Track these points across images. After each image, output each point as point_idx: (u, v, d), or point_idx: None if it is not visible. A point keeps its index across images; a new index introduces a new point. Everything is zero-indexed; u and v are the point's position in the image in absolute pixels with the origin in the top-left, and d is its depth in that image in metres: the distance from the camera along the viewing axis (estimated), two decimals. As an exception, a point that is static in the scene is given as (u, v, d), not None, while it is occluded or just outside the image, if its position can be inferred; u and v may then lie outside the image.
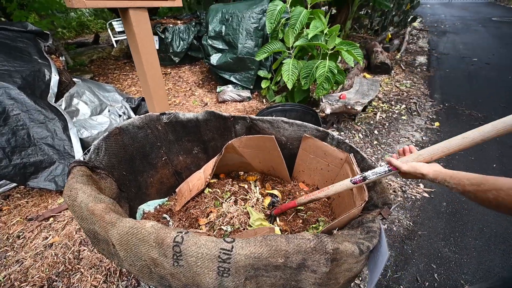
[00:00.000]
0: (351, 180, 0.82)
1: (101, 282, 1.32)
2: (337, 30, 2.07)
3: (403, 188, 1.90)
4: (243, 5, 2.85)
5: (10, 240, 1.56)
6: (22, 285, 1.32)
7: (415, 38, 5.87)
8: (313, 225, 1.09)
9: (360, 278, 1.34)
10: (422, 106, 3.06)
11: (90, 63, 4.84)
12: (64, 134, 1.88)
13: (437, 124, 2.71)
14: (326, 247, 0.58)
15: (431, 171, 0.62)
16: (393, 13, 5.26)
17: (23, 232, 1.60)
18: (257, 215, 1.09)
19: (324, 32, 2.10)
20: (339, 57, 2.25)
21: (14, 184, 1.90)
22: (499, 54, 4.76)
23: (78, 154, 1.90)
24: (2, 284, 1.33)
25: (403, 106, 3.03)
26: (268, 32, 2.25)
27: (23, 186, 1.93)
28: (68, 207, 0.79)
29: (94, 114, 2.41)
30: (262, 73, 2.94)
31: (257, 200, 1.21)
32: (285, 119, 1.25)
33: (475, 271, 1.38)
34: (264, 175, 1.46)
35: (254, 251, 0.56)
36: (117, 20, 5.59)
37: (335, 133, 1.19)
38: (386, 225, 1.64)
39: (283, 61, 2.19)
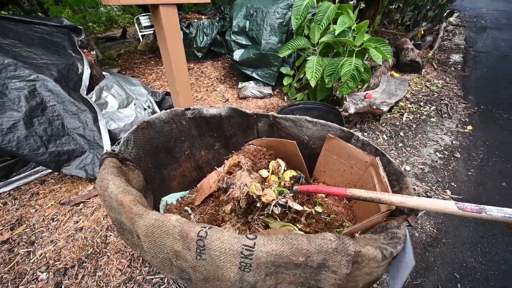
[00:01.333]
0: (457, 205, 0.65)
1: (125, 266, 1.40)
2: (365, 26, 1.98)
3: (428, 193, 1.80)
4: (269, 0, 2.82)
5: (46, 222, 1.70)
6: (56, 263, 1.44)
7: (450, 34, 5.47)
8: (337, 230, 1.07)
9: (378, 283, 1.31)
10: (454, 108, 2.86)
11: (117, 57, 5.07)
12: (94, 125, 2.00)
13: (469, 128, 2.52)
14: (347, 248, 0.57)
15: None
16: (428, 8, 4.93)
17: (57, 215, 1.74)
18: (279, 223, 1.06)
19: (352, 28, 2.02)
20: (366, 54, 2.16)
21: (49, 170, 2.06)
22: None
23: (107, 144, 2.02)
24: (38, 261, 1.46)
25: (433, 107, 2.86)
26: (293, 28, 2.21)
27: (57, 173, 2.09)
28: (99, 196, 0.84)
29: (121, 107, 2.53)
30: (284, 70, 2.91)
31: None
32: (308, 118, 1.23)
33: (503, 285, 1.29)
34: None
35: (275, 248, 0.57)
36: (144, 15, 5.79)
37: (360, 134, 1.16)
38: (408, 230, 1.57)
39: (307, 58, 2.15)
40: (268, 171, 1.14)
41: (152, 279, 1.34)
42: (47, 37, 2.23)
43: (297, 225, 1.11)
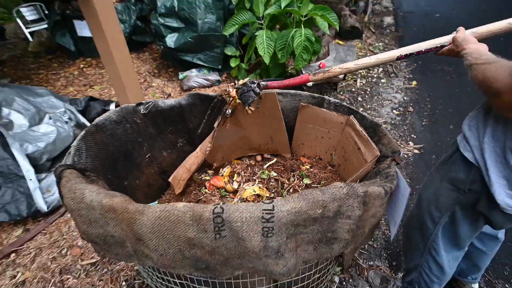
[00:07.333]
0: (397, 55, 0.97)
1: (99, 305, 1.33)
2: (307, -6, 2.22)
3: (395, 148, 2.19)
4: (196, -26, 2.84)
5: (-35, 290, 1.45)
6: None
7: (378, -2, 6.40)
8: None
9: (373, 239, 1.56)
10: (398, 67, 3.45)
11: (0, 65, 4.33)
12: (5, 152, 1.76)
13: (414, 83, 3.10)
14: (357, 191, 0.72)
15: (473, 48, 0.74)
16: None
17: (-21, 277, 1.50)
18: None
19: (295, -2, 2.23)
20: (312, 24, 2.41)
21: None
22: (459, 7, 5.46)
23: (29, 172, 1.80)
24: None
25: (380, 69, 3.38)
26: (233, 2, 2.30)
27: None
28: (70, 212, 0.80)
29: (34, 124, 2.24)
30: (229, 50, 2.99)
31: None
32: (278, 90, 1.36)
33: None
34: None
35: (294, 206, 0.67)
36: (27, 6, 5.04)
37: (330, 97, 1.35)
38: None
39: (255, 33, 2.28)
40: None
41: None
42: None
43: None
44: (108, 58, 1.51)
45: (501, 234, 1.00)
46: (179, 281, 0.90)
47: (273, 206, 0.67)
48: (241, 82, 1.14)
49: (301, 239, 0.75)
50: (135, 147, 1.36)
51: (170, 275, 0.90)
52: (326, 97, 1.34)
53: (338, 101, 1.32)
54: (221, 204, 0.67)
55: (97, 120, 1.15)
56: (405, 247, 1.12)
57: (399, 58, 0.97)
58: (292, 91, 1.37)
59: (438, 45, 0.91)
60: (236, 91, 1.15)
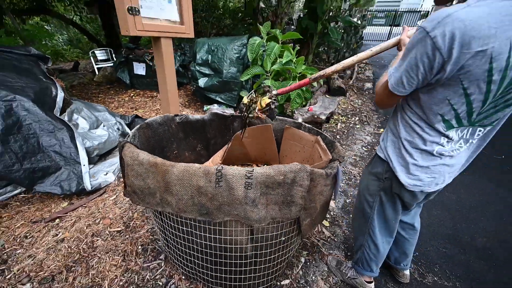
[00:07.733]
0: (370, 54, 0.98)
1: (119, 261, 1.48)
2: (302, 60, 2.68)
3: (359, 174, 2.39)
4: (226, 40, 3.42)
5: (18, 240, 1.62)
6: (39, 273, 1.41)
7: (363, 69, 7.13)
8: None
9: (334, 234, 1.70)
10: (371, 118, 3.81)
11: (70, 88, 4.91)
12: (71, 143, 2.06)
13: (382, 130, 3.41)
14: (306, 168, 0.96)
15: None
16: (344, 50, 6.45)
17: (30, 233, 1.68)
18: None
19: (293, 61, 2.69)
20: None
21: (11, 194, 1.95)
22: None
23: (84, 160, 2.07)
24: (17, 276, 1.40)
25: (357, 118, 3.74)
26: (249, 60, 2.78)
27: (22, 195, 1.99)
28: (127, 167, 1.05)
29: (92, 128, 2.59)
30: (243, 93, 3.43)
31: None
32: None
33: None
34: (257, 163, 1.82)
35: (266, 171, 0.91)
36: (100, 49, 5.86)
37: (307, 124, 1.64)
38: (350, 206, 2.07)
39: (263, 82, 2.70)
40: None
41: (149, 265, 1.45)
42: (17, 64, 2.26)
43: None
44: (163, 85, 1.90)
45: (417, 223, 1.18)
46: (186, 228, 1.10)
47: (253, 169, 0.92)
48: (263, 103, 1.26)
49: (270, 199, 0.97)
50: (168, 144, 1.64)
51: (180, 223, 1.10)
52: (303, 123, 1.63)
53: (310, 126, 1.61)
54: (221, 165, 0.93)
55: (148, 120, 1.46)
56: (354, 234, 1.29)
57: (374, 55, 0.99)
58: (281, 117, 1.67)
59: (397, 43, 0.93)
60: (264, 112, 1.30)
